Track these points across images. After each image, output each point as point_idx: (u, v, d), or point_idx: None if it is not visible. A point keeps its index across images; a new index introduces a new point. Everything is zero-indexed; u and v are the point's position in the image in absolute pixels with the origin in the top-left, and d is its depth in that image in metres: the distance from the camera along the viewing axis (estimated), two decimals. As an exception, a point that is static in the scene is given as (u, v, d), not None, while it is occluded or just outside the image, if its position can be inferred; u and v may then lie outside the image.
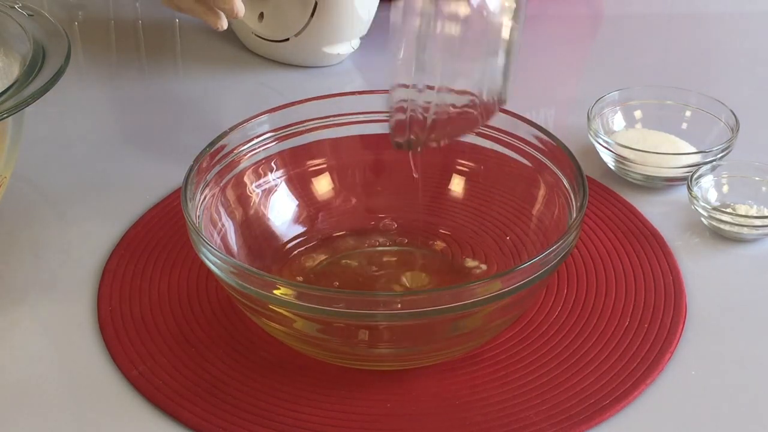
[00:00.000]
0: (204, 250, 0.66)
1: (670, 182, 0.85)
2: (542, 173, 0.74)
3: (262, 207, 0.77)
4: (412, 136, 0.69)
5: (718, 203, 0.82)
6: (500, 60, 0.67)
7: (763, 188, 0.82)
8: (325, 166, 0.80)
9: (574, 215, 0.68)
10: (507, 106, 0.70)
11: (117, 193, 0.86)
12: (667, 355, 0.70)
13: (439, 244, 0.78)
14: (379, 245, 0.78)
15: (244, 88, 1.01)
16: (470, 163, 0.79)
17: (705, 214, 0.80)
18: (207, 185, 0.72)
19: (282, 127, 0.77)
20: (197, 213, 0.70)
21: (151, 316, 0.74)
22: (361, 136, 0.79)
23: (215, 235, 0.72)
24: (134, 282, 0.77)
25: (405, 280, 0.76)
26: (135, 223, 0.82)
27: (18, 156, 0.77)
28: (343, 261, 0.77)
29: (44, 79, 0.72)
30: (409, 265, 0.77)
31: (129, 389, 0.69)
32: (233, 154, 0.75)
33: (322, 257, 0.77)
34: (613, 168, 0.87)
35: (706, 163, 0.83)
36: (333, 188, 0.80)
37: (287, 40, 1.02)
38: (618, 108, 0.90)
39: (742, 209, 0.81)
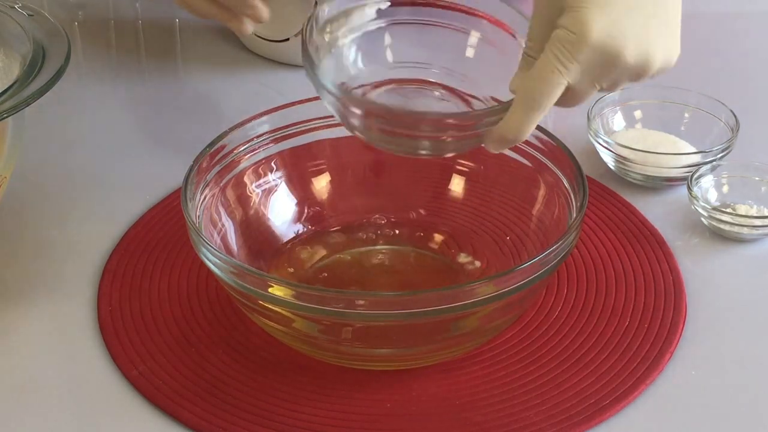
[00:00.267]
0: (204, 250, 0.66)
1: (670, 182, 0.85)
2: (542, 173, 0.74)
3: (262, 207, 0.77)
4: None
5: (718, 203, 0.82)
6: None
7: (763, 188, 0.82)
8: (324, 166, 0.80)
9: (574, 215, 0.68)
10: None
11: (117, 193, 0.86)
12: (667, 355, 0.70)
13: (439, 245, 0.78)
14: (379, 245, 0.78)
15: (244, 88, 1.01)
16: (470, 163, 0.79)
17: (705, 214, 0.80)
18: (207, 185, 0.72)
19: (282, 127, 0.77)
20: (197, 213, 0.70)
21: (151, 316, 0.74)
22: (361, 137, 0.79)
23: (215, 235, 0.72)
24: (134, 282, 0.77)
25: (404, 280, 0.76)
26: (135, 223, 0.82)
27: (18, 156, 0.77)
28: (343, 260, 0.77)
29: (44, 79, 0.72)
30: (408, 265, 0.77)
31: (129, 389, 0.69)
32: (233, 154, 0.75)
33: (321, 255, 0.77)
34: (613, 168, 0.87)
35: (706, 163, 0.83)
36: (333, 188, 0.80)
37: (287, 40, 1.02)
38: (618, 108, 0.90)
39: (742, 209, 0.81)
